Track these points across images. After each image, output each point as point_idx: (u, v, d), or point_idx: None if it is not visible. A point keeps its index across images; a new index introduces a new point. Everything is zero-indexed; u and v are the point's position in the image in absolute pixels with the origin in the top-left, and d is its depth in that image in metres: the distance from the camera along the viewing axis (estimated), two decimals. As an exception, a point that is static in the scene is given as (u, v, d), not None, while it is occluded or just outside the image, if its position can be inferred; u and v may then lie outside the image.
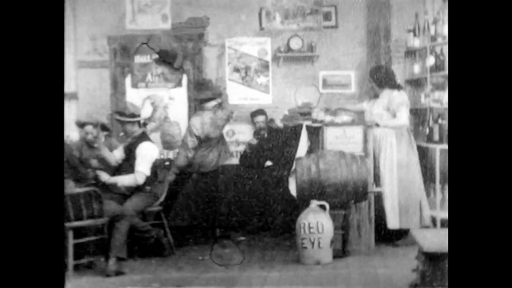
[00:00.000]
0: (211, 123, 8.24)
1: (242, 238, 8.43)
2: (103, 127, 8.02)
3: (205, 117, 8.25)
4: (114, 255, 6.91)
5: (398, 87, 8.06)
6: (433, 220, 7.96)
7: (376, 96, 8.13)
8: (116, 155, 7.66)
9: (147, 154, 7.48)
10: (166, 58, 8.43)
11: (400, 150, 7.86)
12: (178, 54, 8.65)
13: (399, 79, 8.46)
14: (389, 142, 7.86)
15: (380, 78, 8.04)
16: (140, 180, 7.42)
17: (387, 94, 7.99)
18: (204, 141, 8.25)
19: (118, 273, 6.81)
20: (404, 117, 7.87)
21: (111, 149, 7.95)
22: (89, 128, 7.74)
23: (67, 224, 6.67)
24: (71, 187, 6.80)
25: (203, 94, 8.33)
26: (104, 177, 7.44)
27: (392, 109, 7.91)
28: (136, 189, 7.44)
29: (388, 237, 7.80)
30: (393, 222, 7.78)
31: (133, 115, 7.53)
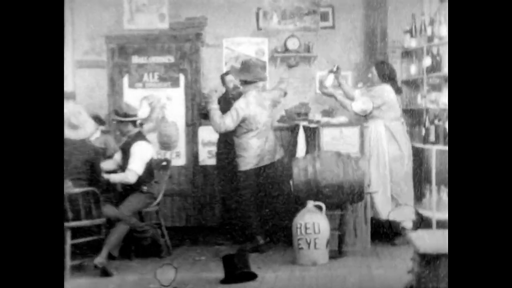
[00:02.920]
0: (257, 103, 7.83)
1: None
2: (100, 121, 8.04)
3: (248, 97, 7.81)
4: (107, 250, 6.89)
5: (397, 89, 8.17)
6: (421, 219, 7.92)
7: (372, 85, 8.21)
8: (116, 158, 7.67)
9: (141, 153, 7.45)
10: (254, 73, 8.14)
11: (392, 144, 7.94)
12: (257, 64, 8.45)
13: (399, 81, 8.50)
14: (380, 134, 7.93)
15: (383, 72, 8.08)
16: (131, 178, 7.38)
17: (381, 88, 8.06)
18: (252, 124, 7.80)
19: (105, 271, 6.78)
20: (358, 104, 8.01)
21: (106, 145, 7.96)
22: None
23: (65, 224, 6.65)
24: (69, 187, 6.77)
25: (246, 75, 7.90)
26: None
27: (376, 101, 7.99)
28: (133, 190, 7.43)
29: (385, 236, 7.83)
30: (382, 214, 7.84)
31: (125, 115, 7.51)
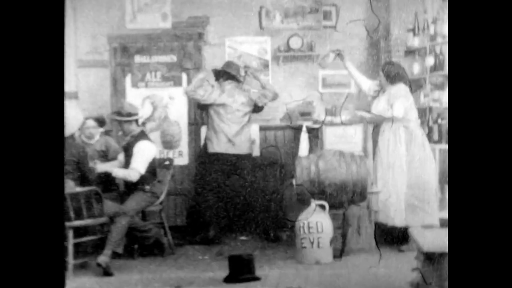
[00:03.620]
0: (229, 94, 8.34)
1: (244, 238, 8.43)
2: (101, 123, 8.05)
3: (223, 87, 8.41)
4: (110, 249, 6.89)
5: (407, 82, 7.76)
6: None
7: (383, 91, 7.81)
8: (120, 159, 7.68)
9: (144, 152, 7.46)
10: (231, 70, 8.42)
11: (409, 148, 7.60)
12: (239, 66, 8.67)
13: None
14: (398, 139, 7.62)
15: (390, 73, 7.71)
16: (134, 177, 7.39)
17: (392, 89, 7.68)
18: (221, 112, 8.34)
19: (107, 271, 6.78)
20: (398, 109, 7.57)
21: (107, 147, 7.97)
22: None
23: (67, 224, 6.67)
24: (71, 187, 6.79)
25: (227, 69, 8.46)
26: (100, 166, 7.44)
27: (391, 102, 7.63)
28: (135, 189, 7.44)
29: (393, 241, 7.68)
30: (397, 221, 7.57)
31: (129, 114, 7.53)
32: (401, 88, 7.68)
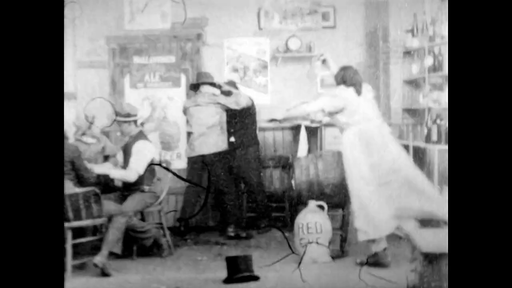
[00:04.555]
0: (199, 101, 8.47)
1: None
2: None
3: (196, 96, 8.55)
4: (107, 249, 6.87)
5: (351, 86, 7.08)
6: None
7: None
8: (119, 159, 7.68)
9: (142, 152, 7.45)
10: (204, 80, 8.50)
11: (370, 151, 6.93)
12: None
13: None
14: (353, 144, 6.98)
15: (337, 78, 7.12)
16: (132, 177, 7.38)
17: (339, 89, 7.10)
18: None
19: (104, 271, 6.77)
20: (309, 105, 7.25)
21: (103, 146, 7.97)
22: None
23: (66, 224, 6.66)
24: (70, 188, 6.79)
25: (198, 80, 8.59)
26: (97, 168, 7.43)
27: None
28: (135, 189, 7.43)
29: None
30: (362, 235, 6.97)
31: (128, 115, 7.52)
32: (342, 89, 7.08)
